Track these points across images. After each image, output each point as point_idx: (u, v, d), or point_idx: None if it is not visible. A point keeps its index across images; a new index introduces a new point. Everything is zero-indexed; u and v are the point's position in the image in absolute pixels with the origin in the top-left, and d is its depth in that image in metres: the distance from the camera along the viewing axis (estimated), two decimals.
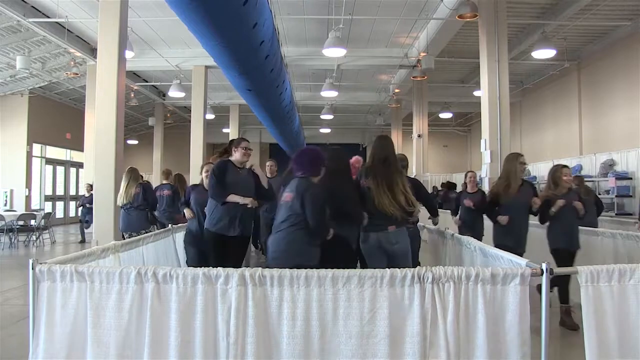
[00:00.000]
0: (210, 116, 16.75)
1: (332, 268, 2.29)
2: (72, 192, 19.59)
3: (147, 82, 16.97)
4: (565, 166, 5.03)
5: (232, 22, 5.93)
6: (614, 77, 12.60)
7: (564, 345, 4.21)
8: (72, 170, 19.60)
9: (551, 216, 4.78)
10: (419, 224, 5.09)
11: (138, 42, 12.25)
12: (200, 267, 2.33)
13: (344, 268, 2.30)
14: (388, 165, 3.85)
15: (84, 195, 13.13)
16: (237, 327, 2.22)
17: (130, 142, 22.84)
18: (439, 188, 14.72)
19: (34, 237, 11.47)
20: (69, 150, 19.08)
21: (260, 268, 2.28)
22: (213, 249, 4.30)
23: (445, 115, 19.79)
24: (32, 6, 10.48)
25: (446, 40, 11.97)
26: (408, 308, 2.22)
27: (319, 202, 3.46)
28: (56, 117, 17.73)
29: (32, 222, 11.54)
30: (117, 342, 2.27)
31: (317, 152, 3.75)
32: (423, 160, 15.58)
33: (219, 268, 2.28)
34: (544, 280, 2.25)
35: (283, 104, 12.13)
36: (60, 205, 18.73)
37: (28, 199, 16.17)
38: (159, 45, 12.99)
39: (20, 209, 14.79)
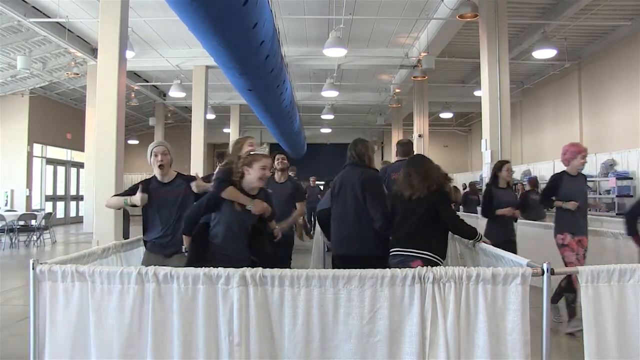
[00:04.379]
0: (210, 116, 16.75)
1: None
2: (73, 192, 19.60)
3: (147, 82, 16.99)
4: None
5: (233, 22, 5.93)
6: (615, 77, 12.60)
7: (563, 345, 4.21)
8: (73, 170, 19.61)
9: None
10: None
11: (138, 42, 12.26)
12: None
13: None
14: None
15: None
16: (240, 327, 2.22)
17: (130, 142, 22.82)
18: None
19: (34, 237, 11.47)
20: (69, 150, 19.09)
21: (260, 268, 2.28)
22: None
23: (446, 115, 19.79)
24: (33, 6, 10.49)
25: (447, 40, 11.97)
26: (408, 308, 2.23)
27: None
28: (57, 117, 17.74)
29: (33, 222, 11.54)
30: (120, 342, 2.28)
31: None
32: None
33: (219, 268, 2.28)
34: (545, 280, 2.25)
35: (283, 104, 12.14)
36: (60, 205, 18.73)
37: (29, 199, 16.18)
38: (160, 45, 13.00)
39: (20, 209, 14.79)
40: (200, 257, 2.98)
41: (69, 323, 2.32)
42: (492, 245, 4.15)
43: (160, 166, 3.56)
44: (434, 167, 3.54)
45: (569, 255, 4.51)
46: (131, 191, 3.51)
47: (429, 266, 2.29)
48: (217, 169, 4.73)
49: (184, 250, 3.24)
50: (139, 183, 3.59)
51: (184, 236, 3.20)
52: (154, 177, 3.64)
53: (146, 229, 3.61)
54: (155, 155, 3.59)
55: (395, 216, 3.56)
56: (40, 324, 2.32)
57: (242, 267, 2.36)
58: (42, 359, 2.32)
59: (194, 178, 3.73)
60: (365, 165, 3.85)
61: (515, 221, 5.11)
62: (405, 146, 4.91)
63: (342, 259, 3.74)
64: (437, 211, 3.38)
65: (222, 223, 3.09)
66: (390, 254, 3.46)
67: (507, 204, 4.89)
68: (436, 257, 3.32)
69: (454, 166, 22.81)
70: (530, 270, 2.25)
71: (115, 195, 3.62)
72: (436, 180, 3.43)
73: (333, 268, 3.63)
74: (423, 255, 3.25)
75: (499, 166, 5.10)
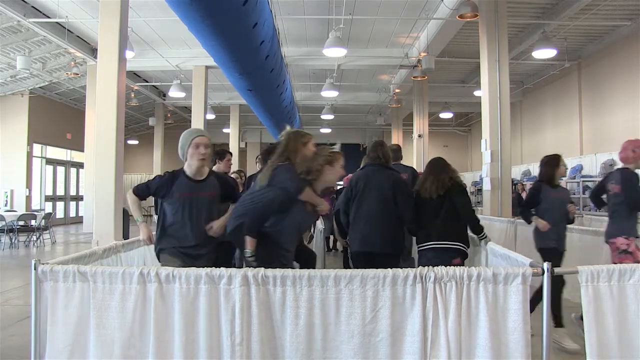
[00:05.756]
0: (210, 116, 16.75)
1: None
2: (73, 192, 19.59)
3: (147, 82, 16.98)
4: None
5: (232, 22, 5.95)
6: (615, 77, 12.61)
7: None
8: (73, 170, 19.61)
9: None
10: None
11: (138, 42, 12.26)
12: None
13: None
14: None
15: None
16: (242, 327, 2.22)
17: (130, 142, 22.84)
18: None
19: (34, 238, 11.47)
20: (69, 151, 19.10)
21: (262, 268, 2.28)
22: None
23: (446, 115, 19.80)
24: (33, 6, 10.49)
25: (446, 40, 11.97)
26: (410, 308, 2.23)
27: None
28: (56, 117, 17.74)
29: (33, 222, 11.54)
30: (121, 342, 2.28)
31: None
32: (423, 160, 15.59)
33: (221, 268, 2.28)
34: (545, 280, 2.25)
35: (283, 104, 12.16)
36: (60, 205, 18.73)
37: (28, 199, 16.18)
38: (159, 45, 13.00)
39: (20, 209, 14.79)
40: (268, 262, 2.63)
41: (70, 323, 2.32)
42: (540, 252, 4.25)
43: (202, 159, 3.04)
44: (451, 169, 3.92)
45: None
46: (155, 187, 3.03)
47: (430, 265, 2.29)
48: (216, 165, 4.77)
49: (248, 255, 2.86)
50: (161, 176, 3.08)
51: (248, 239, 2.82)
52: (182, 172, 3.10)
53: (167, 234, 3.01)
54: (197, 147, 3.04)
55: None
56: (41, 324, 2.32)
57: None
58: (43, 359, 2.32)
59: (229, 181, 3.28)
60: (389, 167, 4.06)
61: (568, 224, 4.48)
62: (394, 152, 5.23)
63: (363, 256, 3.85)
64: (456, 204, 3.68)
65: (290, 224, 2.83)
66: (421, 248, 3.72)
67: (560, 206, 4.32)
68: (466, 247, 3.64)
69: (454, 166, 22.72)
70: (531, 270, 2.25)
71: (136, 196, 3.12)
72: (448, 180, 3.76)
73: (347, 264, 3.75)
74: (457, 246, 3.58)
75: (556, 161, 4.36)
